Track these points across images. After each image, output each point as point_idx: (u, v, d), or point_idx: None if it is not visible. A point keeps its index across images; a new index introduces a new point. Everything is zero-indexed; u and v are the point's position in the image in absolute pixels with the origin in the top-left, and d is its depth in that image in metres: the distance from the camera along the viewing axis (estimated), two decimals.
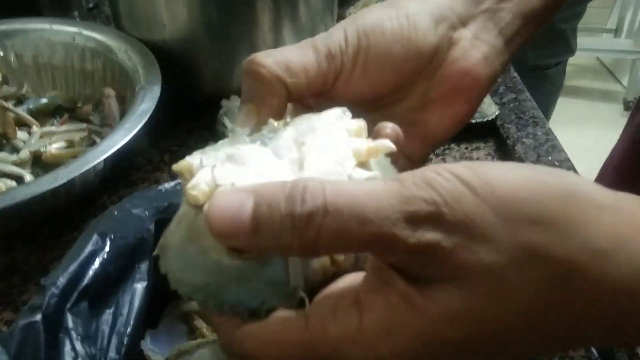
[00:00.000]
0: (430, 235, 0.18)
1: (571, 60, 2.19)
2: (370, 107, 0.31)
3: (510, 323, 0.18)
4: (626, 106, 2.14)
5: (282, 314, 0.21)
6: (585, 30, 2.17)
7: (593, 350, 0.40)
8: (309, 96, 0.29)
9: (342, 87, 0.29)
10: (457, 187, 0.19)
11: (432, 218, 0.18)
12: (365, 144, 0.24)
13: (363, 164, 0.23)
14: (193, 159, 0.24)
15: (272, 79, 0.26)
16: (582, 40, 2.06)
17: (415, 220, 0.18)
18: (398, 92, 0.30)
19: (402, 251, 0.19)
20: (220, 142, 0.25)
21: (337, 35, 0.28)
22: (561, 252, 0.18)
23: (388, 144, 0.24)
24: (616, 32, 2.27)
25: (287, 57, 0.27)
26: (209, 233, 0.20)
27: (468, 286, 0.18)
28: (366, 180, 0.22)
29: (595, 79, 2.32)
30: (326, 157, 0.23)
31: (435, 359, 0.20)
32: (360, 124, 0.25)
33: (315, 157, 0.23)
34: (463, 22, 0.30)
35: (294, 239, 0.19)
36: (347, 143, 0.23)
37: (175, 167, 0.24)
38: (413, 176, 0.19)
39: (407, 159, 0.31)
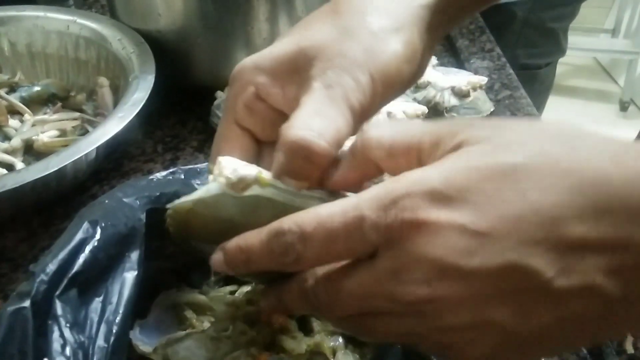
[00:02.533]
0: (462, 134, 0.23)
1: (568, 60, 2.20)
2: None
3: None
4: (622, 107, 2.15)
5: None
6: (582, 30, 2.17)
7: (582, 348, 0.40)
8: None
9: None
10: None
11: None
12: None
13: None
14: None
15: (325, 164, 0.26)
16: (579, 40, 2.07)
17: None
18: None
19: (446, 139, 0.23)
20: None
21: (368, 90, 0.27)
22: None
23: None
24: (614, 32, 2.28)
25: (337, 132, 0.26)
26: None
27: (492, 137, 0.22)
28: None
29: (592, 79, 2.33)
30: None
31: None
32: None
33: None
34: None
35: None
36: None
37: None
38: None
39: None
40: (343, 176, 0.26)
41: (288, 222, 0.23)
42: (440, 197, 0.21)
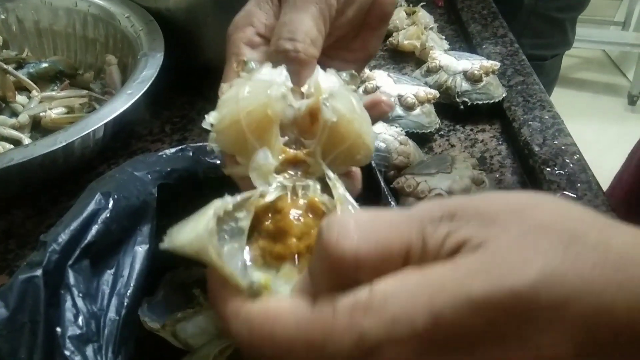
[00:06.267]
0: (448, 226, 0.20)
1: (576, 52, 2.17)
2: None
3: (529, 287, 0.18)
4: (630, 100, 2.13)
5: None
6: (592, 22, 2.15)
7: None
8: None
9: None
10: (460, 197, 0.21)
11: (447, 216, 0.20)
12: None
13: None
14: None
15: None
16: (589, 32, 2.04)
17: (434, 220, 0.20)
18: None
19: (432, 248, 0.20)
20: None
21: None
22: (562, 221, 0.19)
23: None
24: (624, 24, 2.25)
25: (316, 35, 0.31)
26: None
27: (488, 249, 0.19)
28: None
29: (601, 71, 2.31)
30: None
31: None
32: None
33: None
34: None
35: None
36: None
37: None
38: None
39: None
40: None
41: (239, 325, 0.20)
42: (424, 348, 0.18)
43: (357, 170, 0.31)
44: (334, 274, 0.19)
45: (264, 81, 0.27)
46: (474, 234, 0.19)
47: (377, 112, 0.32)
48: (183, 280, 0.39)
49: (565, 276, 0.18)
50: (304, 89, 0.28)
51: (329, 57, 0.35)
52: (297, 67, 0.29)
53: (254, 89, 0.27)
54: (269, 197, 0.25)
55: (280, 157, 0.26)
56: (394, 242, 0.19)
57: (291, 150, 0.27)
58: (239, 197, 0.24)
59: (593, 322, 0.18)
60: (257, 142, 0.26)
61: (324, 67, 0.30)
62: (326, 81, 0.28)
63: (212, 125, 0.27)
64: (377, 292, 0.19)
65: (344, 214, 0.20)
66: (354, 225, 0.19)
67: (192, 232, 0.22)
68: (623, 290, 0.18)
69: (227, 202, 0.23)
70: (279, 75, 0.28)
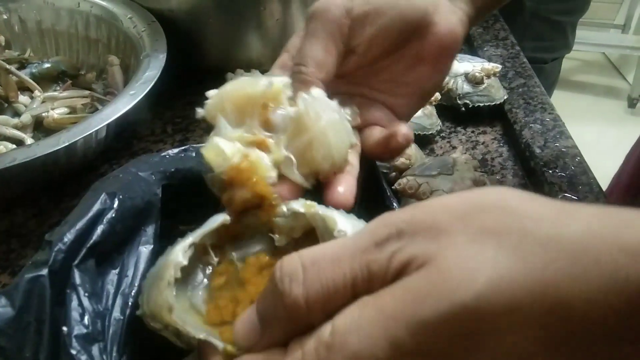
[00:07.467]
0: (394, 246, 0.20)
1: (576, 55, 2.18)
2: (364, 75, 0.36)
3: (478, 298, 0.18)
4: (630, 103, 2.14)
5: None
6: (592, 25, 2.15)
7: None
8: None
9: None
10: (409, 208, 0.21)
11: (394, 234, 0.20)
12: None
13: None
14: None
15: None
16: (589, 35, 2.05)
17: (380, 242, 0.21)
18: (389, 56, 0.35)
19: (378, 272, 0.20)
20: None
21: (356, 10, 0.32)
22: (509, 222, 0.19)
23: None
24: (624, 27, 2.26)
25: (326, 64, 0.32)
26: None
27: (434, 266, 0.19)
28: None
29: (601, 74, 2.31)
30: None
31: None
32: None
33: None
34: None
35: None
36: None
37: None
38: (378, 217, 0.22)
39: (397, 115, 0.36)
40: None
41: None
42: None
43: (340, 181, 0.31)
44: (290, 319, 0.21)
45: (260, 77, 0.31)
46: (418, 252, 0.19)
47: (392, 147, 0.33)
48: None
49: (513, 280, 0.18)
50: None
51: (374, 88, 0.36)
52: (300, 86, 0.31)
53: (247, 79, 0.31)
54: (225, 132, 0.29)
55: (247, 137, 0.29)
56: (337, 280, 0.20)
57: (262, 135, 0.29)
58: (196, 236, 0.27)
59: (549, 320, 0.18)
60: (232, 114, 0.30)
61: (344, 98, 0.33)
62: (315, 94, 0.31)
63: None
64: (337, 330, 0.20)
65: (291, 259, 0.21)
66: (302, 271, 0.21)
67: (153, 304, 0.24)
68: (577, 283, 0.18)
69: (182, 254, 0.26)
70: (278, 77, 0.32)
